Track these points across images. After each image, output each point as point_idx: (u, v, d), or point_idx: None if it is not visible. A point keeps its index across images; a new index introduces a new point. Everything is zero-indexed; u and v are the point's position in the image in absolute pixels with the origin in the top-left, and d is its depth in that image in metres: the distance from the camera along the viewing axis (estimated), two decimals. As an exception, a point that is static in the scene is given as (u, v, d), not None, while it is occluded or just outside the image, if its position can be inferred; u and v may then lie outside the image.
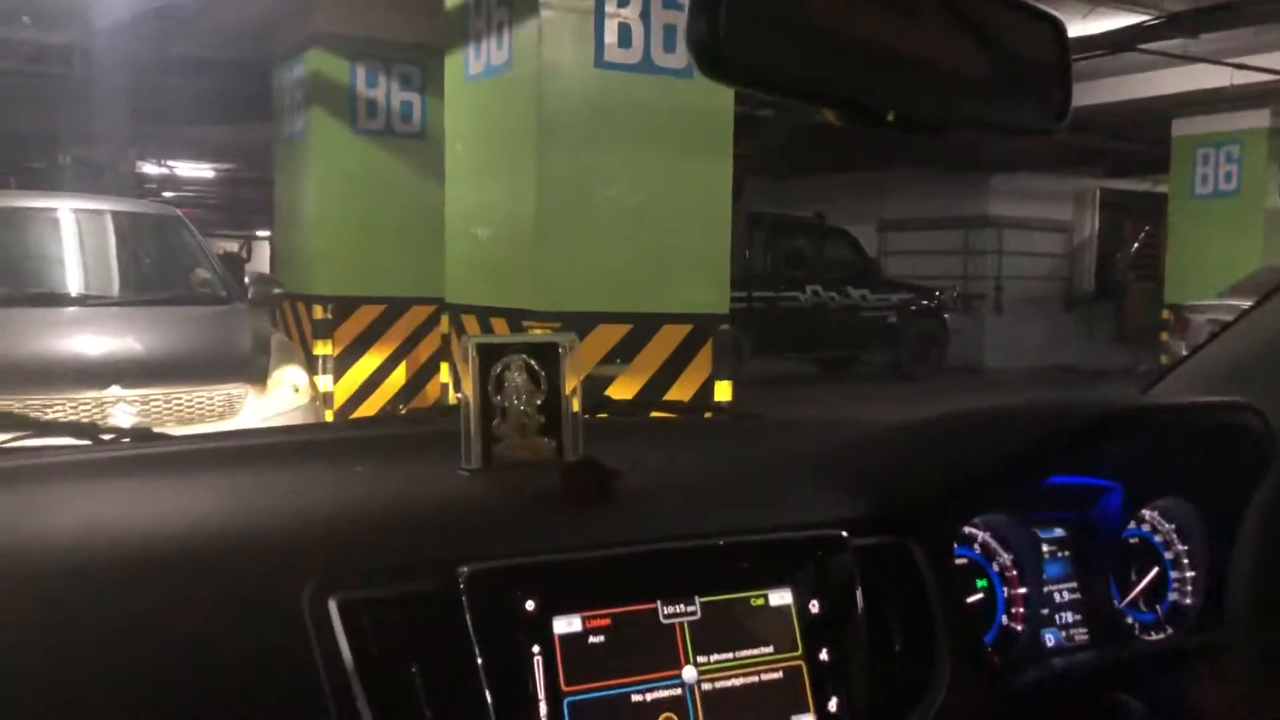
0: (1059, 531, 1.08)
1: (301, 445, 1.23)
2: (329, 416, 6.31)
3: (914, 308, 13.97)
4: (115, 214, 5.66)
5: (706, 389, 5.25)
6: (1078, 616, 1.06)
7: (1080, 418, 1.05)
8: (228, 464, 1.06)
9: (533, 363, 0.97)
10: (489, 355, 0.96)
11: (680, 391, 5.18)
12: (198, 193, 20.06)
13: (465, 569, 0.76)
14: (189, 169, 17.87)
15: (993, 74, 0.81)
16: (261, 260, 19.45)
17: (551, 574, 0.79)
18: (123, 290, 5.36)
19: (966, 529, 1.02)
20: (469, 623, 0.75)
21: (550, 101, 4.73)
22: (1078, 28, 8.91)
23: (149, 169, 16.91)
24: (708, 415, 1.72)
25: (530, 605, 0.77)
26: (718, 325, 5.29)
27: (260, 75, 8.80)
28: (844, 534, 0.87)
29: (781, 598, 0.84)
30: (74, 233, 5.41)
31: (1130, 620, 1.09)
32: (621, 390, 5.03)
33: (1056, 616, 1.05)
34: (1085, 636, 1.05)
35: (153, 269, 5.89)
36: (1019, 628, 1.02)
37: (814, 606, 0.85)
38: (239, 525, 0.84)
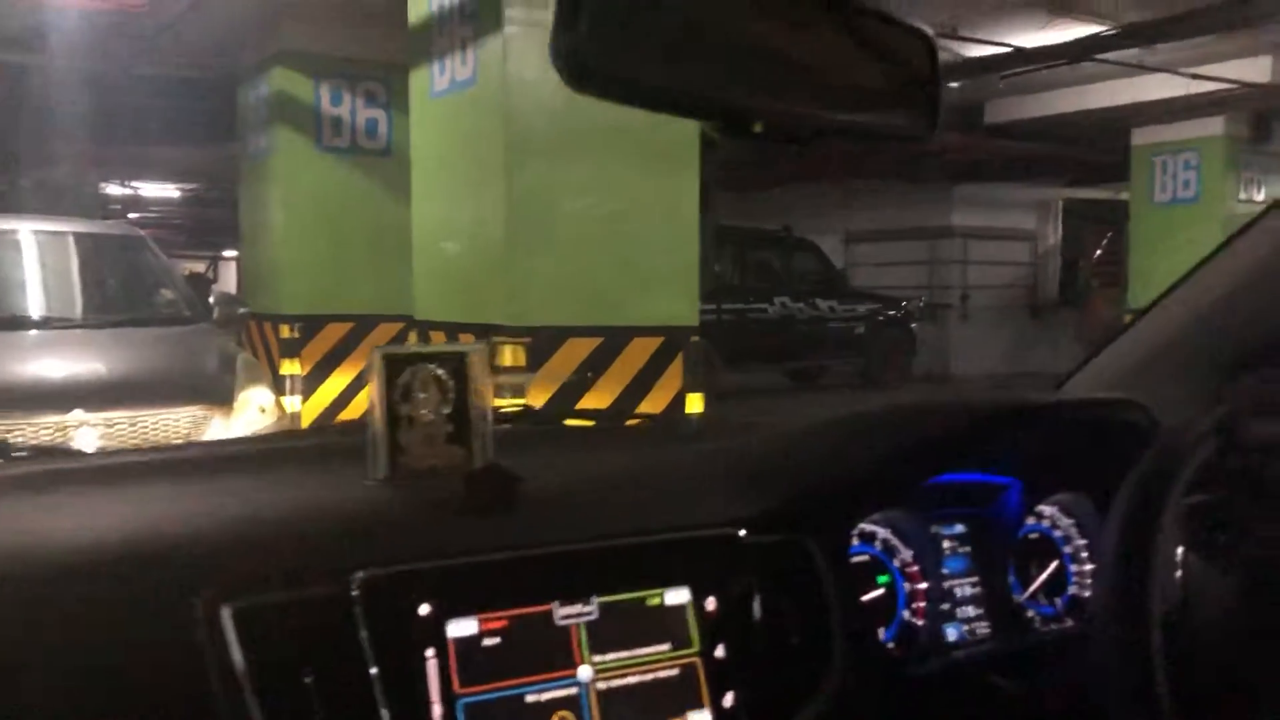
0: (959, 528, 1.10)
1: (216, 458, 1.23)
2: (298, 436, 6.25)
3: (881, 318, 14.08)
4: (77, 235, 5.60)
5: (678, 401, 5.26)
6: (979, 610, 1.09)
7: (974, 415, 1.09)
8: (137, 478, 1.06)
9: (440, 373, 0.98)
10: (395, 366, 0.97)
11: (652, 404, 5.18)
12: (162, 213, 19.89)
13: (359, 574, 0.77)
14: (153, 189, 17.72)
15: (863, 85, 0.83)
16: (229, 280, 19.30)
17: (447, 578, 0.80)
18: (85, 312, 5.30)
19: (868, 526, 1.04)
20: (362, 628, 0.75)
21: (517, 117, 4.74)
22: (1037, 38, 9.04)
23: (113, 189, 16.75)
24: (629, 423, 1.73)
25: (425, 610, 0.78)
26: (688, 337, 5.30)
27: (225, 94, 8.75)
28: (741, 533, 0.89)
29: (678, 596, 0.86)
30: (35, 255, 5.35)
31: (1031, 613, 1.11)
32: (594, 402, 5.03)
33: (958, 610, 1.08)
34: (986, 629, 1.08)
35: (116, 290, 5.82)
36: (920, 622, 1.05)
37: (710, 604, 0.86)
38: (141, 536, 0.83)
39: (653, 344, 5.21)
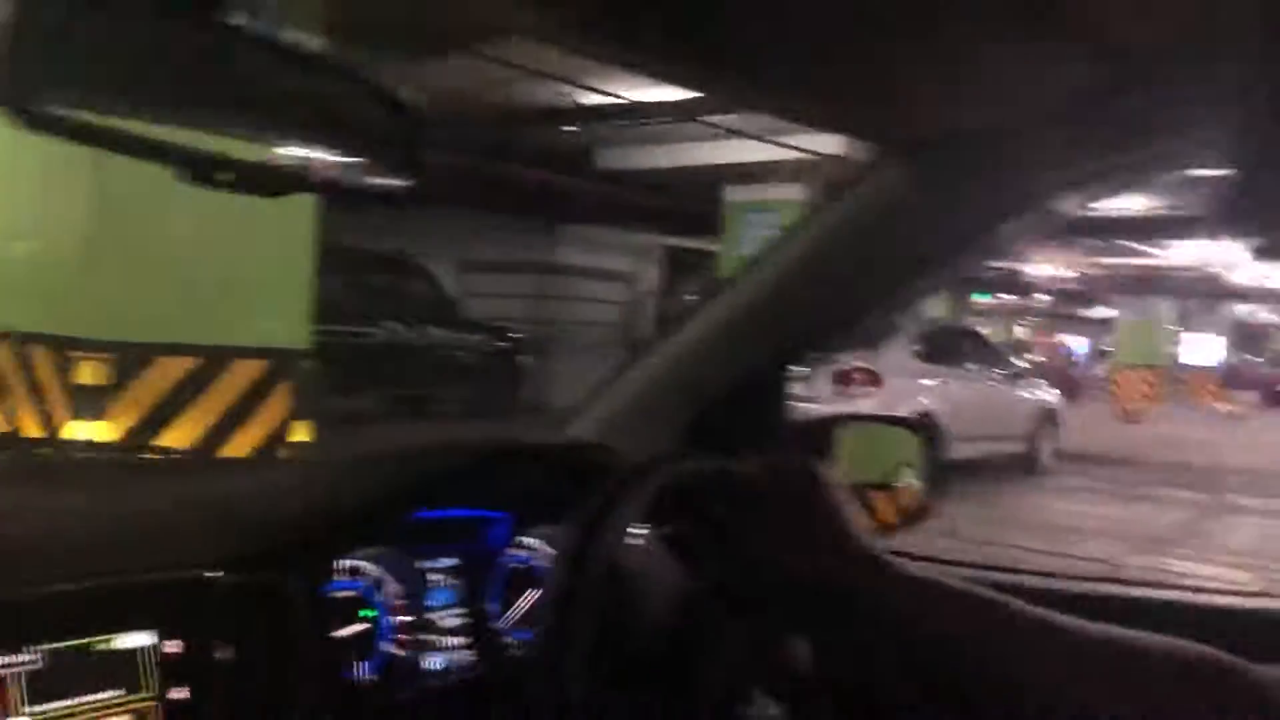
0: (448, 561, 1.15)
1: None
2: None
3: (489, 349, 14.26)
4: None
5: (284, 429, 4.99)
6: (464, 640, 1.15)
7: (461, 454, 1.16)
8: None
9: None
10: None
11: (255, 432, 4.88)
12: None
13: None
14: None
15: (341, 143, 0.86)
16: None
17: None
18: None
19: (352, 563, 1.07)
20: None
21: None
22: (649, 93, 9.63)
23: None
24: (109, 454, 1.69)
25: None
26: (296, 361, 5.06)
27: None
28: (207, 574, 0.89)
29: (138, 640, 0.85)
30: None
31: (511, 639, 1.17)
32: (189, 428, 4.64)
33: (441, 640, 1.13)
34: (470, 658, 1.14)
35: None
36: (402, 653, 1.09)
37: (172, 647, 0.86)
38: None
39: (256, 367, 4.92)
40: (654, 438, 1.33)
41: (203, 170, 0.73)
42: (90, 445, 3.82)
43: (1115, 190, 1.31)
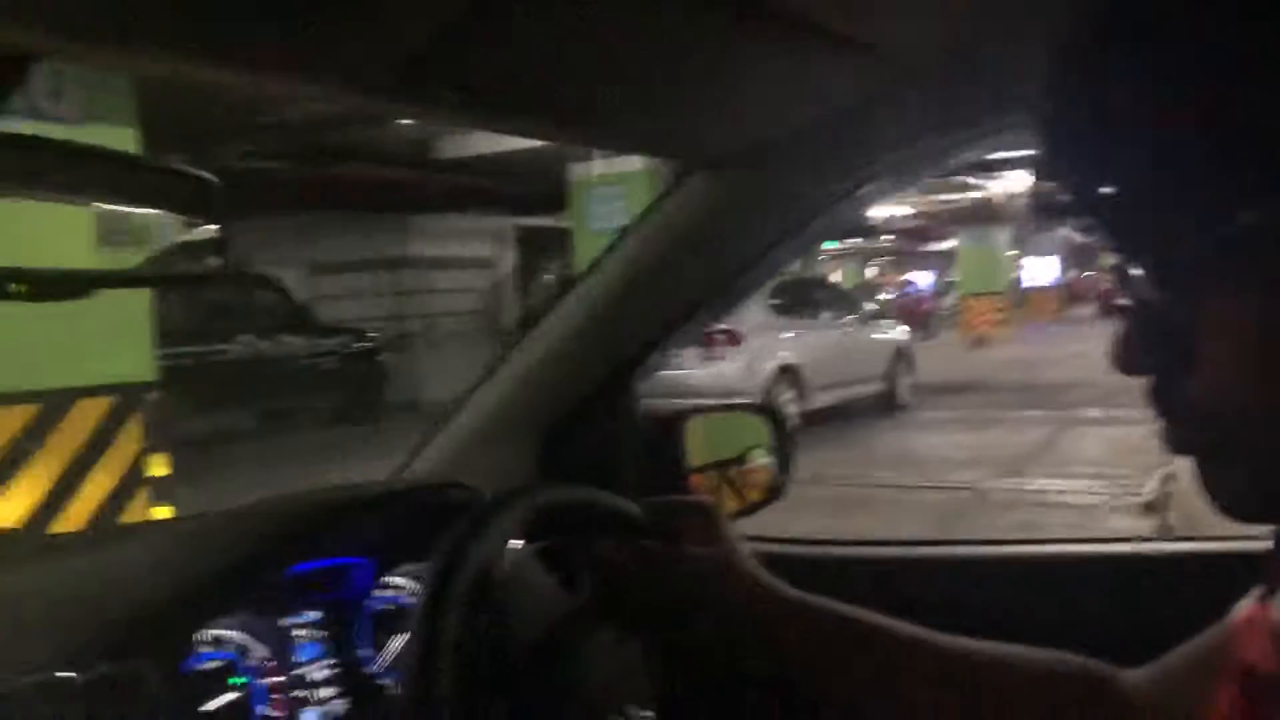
0: (312, 615, 1.13)
1: None
2: None
3: (349, 351, 13.98)
4: None
5: (139, 466, 4.82)
6: (337, 689, 1.13)
7: (310, 510, 1.14)
8: None
9: None
10: None
11: (108, 474, 4.69)
12: None
13: None
14: None
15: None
16: None
17: None
18: None
19: (216, 633, 1.04)
20: None
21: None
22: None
23: None
24: None
25: None
26: (144, 394, 4.88)
27: None
28: (68, 675, 0.85)
29: None
30: None
31: (387, 681, 1.16)
32: (35, 478, 4.44)
33: (314, 694, 1.11)
34: (346, 706, 1.12)
35: None
36: (278, 714, 1.07)
37: None
38: None
39: (102, 405, 4.72)
40: (504, 465, 1.34)
41: None
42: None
43: (922, 172, 1.36)
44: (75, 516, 4.66)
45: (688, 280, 1.32)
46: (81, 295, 0.79)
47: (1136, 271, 0.51)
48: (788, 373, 10.96)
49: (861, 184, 1.22)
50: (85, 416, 4.68)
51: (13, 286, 0.70)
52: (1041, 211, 0.55)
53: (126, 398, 4.82)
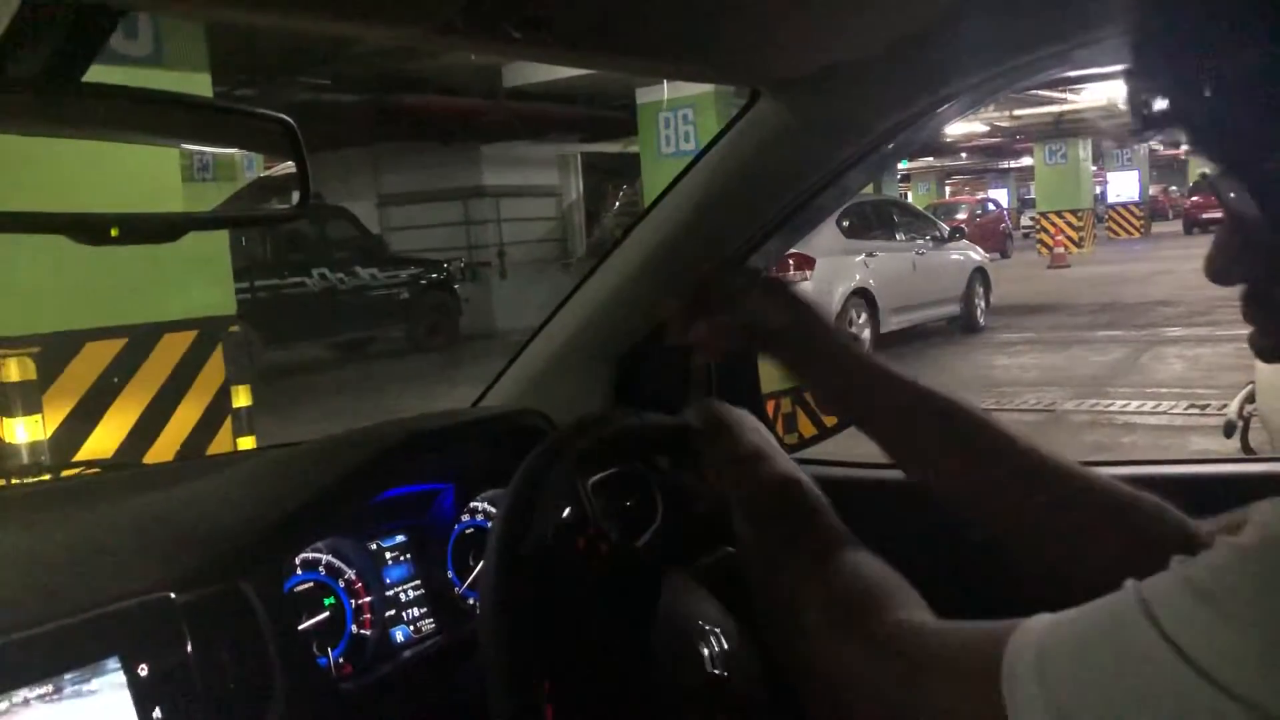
0: (400, 538, 1.20)
1: None
2: None
3: (424, 281, 14.14)
4: None
5: (222, 397, 4.96)
6: (424, 610, 1.19)
7: (396, 438, 1.17)
8: None
9: None
10: None
11: (194, 403, 4.85)
12: None
13: None
14: None
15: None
16: None
17: None
18: None
19: (309, 554, 1.10)
20: None
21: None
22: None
23: None
24: (68, 473, 1.64)
25: None
26: (226, 327, 5.01)
27: None
28: (168, 594, 0.88)
29: (108, 670, 0.84)
30: None
31: (472, 602, 1.22)
32: (126, 410, 4.60)
33: (404, 614, 1.17)
34: (432, 625, 1.18)
35: None
36: (368, 633, 1.13)
37: (143, 670, 0.85)
38: None
39: (186, 339, 4.86)
40: (579, 393, 1.37)
41: (96, 233, 0.74)
42: (25, 468, 3.71)
43: (1001, 91, 1.32)
44: (165, 446, 4.84)
45: (760, 205, 1.31)
46: (172, 238, 0.81)
47: (1230, 182, 0.50)
48: (860, 296, 10.84)
49: (939, 105, 1.19)
50: (171, 350, 4.83)
51: (113, 231, 0.72)
52: (1134, 122, 0.54)
53: (209, 331, 4.95)
